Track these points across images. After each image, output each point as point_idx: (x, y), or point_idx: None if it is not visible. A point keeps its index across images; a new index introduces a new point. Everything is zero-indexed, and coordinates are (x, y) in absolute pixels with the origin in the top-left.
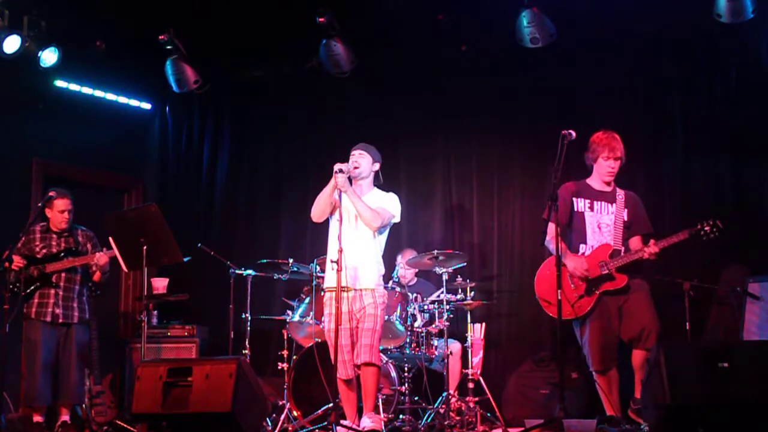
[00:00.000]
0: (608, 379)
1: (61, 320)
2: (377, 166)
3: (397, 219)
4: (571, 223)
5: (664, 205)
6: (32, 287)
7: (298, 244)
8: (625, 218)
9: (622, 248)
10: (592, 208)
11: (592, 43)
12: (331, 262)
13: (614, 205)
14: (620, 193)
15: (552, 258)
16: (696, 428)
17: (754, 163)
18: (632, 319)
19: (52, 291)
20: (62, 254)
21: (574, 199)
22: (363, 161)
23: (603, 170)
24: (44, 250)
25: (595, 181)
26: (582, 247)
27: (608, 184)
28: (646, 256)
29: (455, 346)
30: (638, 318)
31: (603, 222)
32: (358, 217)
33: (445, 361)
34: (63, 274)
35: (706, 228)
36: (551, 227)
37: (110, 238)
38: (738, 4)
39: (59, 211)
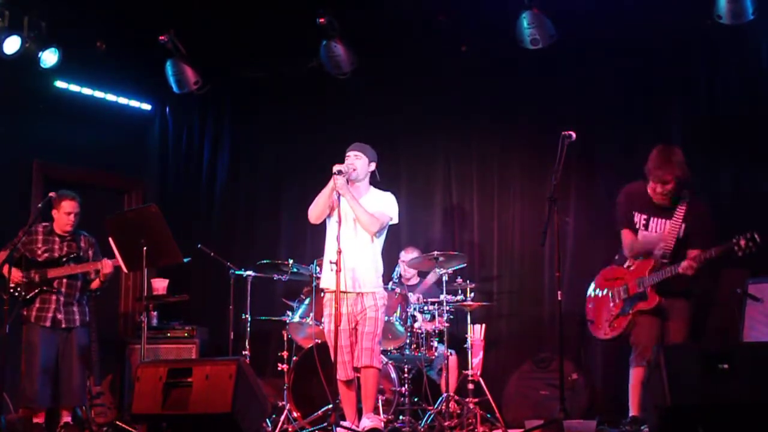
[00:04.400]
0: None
1: (63, 325)
2: (373, 166)
3: (395, 220)
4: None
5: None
6: (33, 292)
7: (298, 244)
8: (680, 235)
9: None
10: (646, 226)
11: (592, 43)
12: (330, 263)
13: (669, 221)
14: (682, 205)
15: (603, 270)
16: (696, 429)
17: (754, 163)
18: (666, 339)
19: (54, 297)
20: (64, 259)
21: (633, 211)
22: (359, 163)
23: (653, 192)
24: (46, 254)
25: (655, 196)
26: (630, 261)
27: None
28: (680, 271)
29: (452, 359)
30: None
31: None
32: (356, 219)
33: (446, 361)
34: (65, 280)
35: (741, 242)
36: (625, 235)
37: (110, 239)
38: (738, 5)
39: (65, 212)
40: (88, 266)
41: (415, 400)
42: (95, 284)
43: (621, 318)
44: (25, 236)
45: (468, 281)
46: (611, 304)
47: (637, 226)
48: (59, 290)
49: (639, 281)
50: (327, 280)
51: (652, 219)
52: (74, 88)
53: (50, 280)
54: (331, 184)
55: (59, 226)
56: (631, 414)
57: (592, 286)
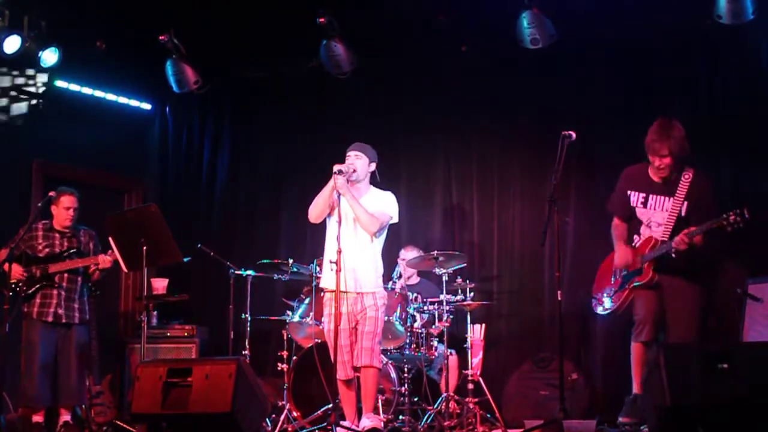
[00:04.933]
0: (647, 354)
1: (63, 320)
2: (374, 166)
3: (395, 219)
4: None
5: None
6: (34, 288)
7: (298, 244)
8: (683, 213)
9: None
10: (645, 204)
11: (592, 43)
12: (330, 262)
13: (671, 199)
14: (684, 182)
15: (610, 254)
16: (696, 428)
17: (754, 163)
18: (669, 324)
19: (55, 291)
20: (65, 254)
21: (629, 192)
22: (359, 163)
23: (653, 168)
24: (47, 249)
25: (654, 172)
26: (635, 239)
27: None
28: (674, 246)
29: (452, 358)
30: (673, 327)
31: (654, 220)
32: (356, 219)
33: (446, 360)
34: (65, 275)
35: (731, 218)
36: (616, 221)
37: (110, 238)
38: (738, 5)
39: (64, 207)
40: (88, 260)
41: (415, 399)
42: (96, 275)
43: (619, 293)
44: (25, 234)
45: (468, 281)
46: (612, 279)
47: (634, 205)
48: (60, 285)
49: (639, 258)
50: (327, 279)
51: (651, 196)
52: (74, 87)
53: (51, 275)
54: (331, 183)
55: (58, 222)
56: (633, 392)
57: (603, 263)
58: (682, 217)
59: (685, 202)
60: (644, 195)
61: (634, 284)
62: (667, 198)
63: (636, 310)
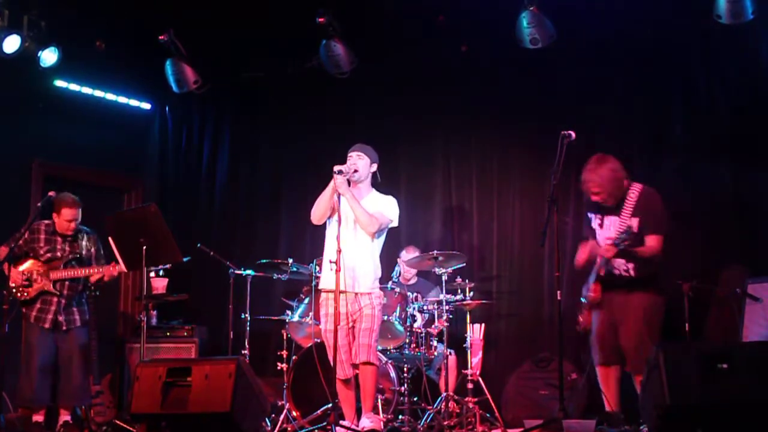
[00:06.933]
0: (608, 374)
1: (64, 327)
2: (375, 167)
3: (395, 223)
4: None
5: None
6: (35, 293)
7: (297, 244)
8: (635, 228)
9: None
10: (601, 225)
11: (592, 43)
12: (330, 262)
13: (618, 218)
14: (630, 200)
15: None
16: (695, 429)
17: (754, 164)
18: (621, 339)
19: (55, 299)
20: (63, 264)
21: (590, 215)
22: (361, 163)
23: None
24: (48, 254)
25: None
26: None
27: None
28: (601, 253)
29: (452, 358)
30: (624, 342)
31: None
32: (356, 220)
33: (445, 360)
34: (66, 282)
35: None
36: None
37: (110, 238)
38: (738, 5)
39: (66, 219)
40: (89, 271)
41: (415, 399)
42: (100, 283)
43: (584, 312)
44: (27, 233)
45: (467, 281)
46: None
47: (594, 227)
48: (61, 292)
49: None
50: (326, 279)
51: (605, 218)
52: (74, 87)
53: (52, 282)
54: (331, 184)
55: (60, 229)
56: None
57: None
58: (634, 232)
59: (635, 218)
60: (600, 216)
61: (588, 303)
62: (617, 217)
63: (592, 336)
